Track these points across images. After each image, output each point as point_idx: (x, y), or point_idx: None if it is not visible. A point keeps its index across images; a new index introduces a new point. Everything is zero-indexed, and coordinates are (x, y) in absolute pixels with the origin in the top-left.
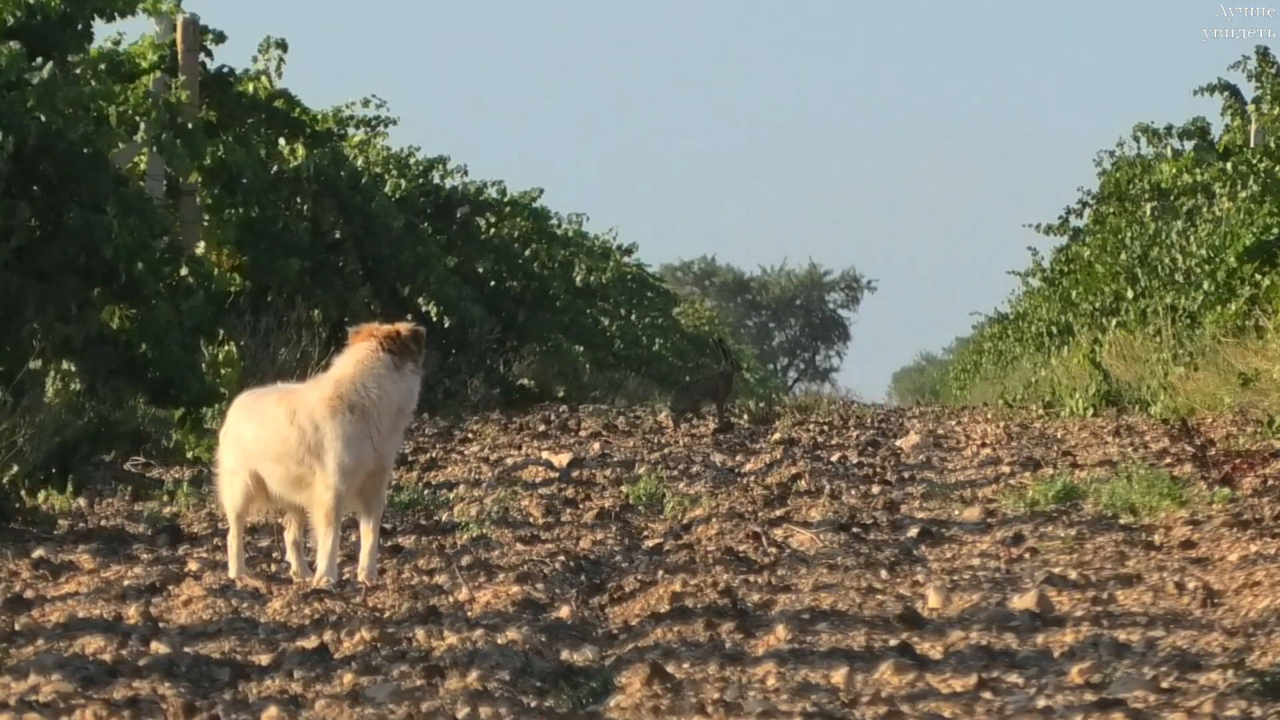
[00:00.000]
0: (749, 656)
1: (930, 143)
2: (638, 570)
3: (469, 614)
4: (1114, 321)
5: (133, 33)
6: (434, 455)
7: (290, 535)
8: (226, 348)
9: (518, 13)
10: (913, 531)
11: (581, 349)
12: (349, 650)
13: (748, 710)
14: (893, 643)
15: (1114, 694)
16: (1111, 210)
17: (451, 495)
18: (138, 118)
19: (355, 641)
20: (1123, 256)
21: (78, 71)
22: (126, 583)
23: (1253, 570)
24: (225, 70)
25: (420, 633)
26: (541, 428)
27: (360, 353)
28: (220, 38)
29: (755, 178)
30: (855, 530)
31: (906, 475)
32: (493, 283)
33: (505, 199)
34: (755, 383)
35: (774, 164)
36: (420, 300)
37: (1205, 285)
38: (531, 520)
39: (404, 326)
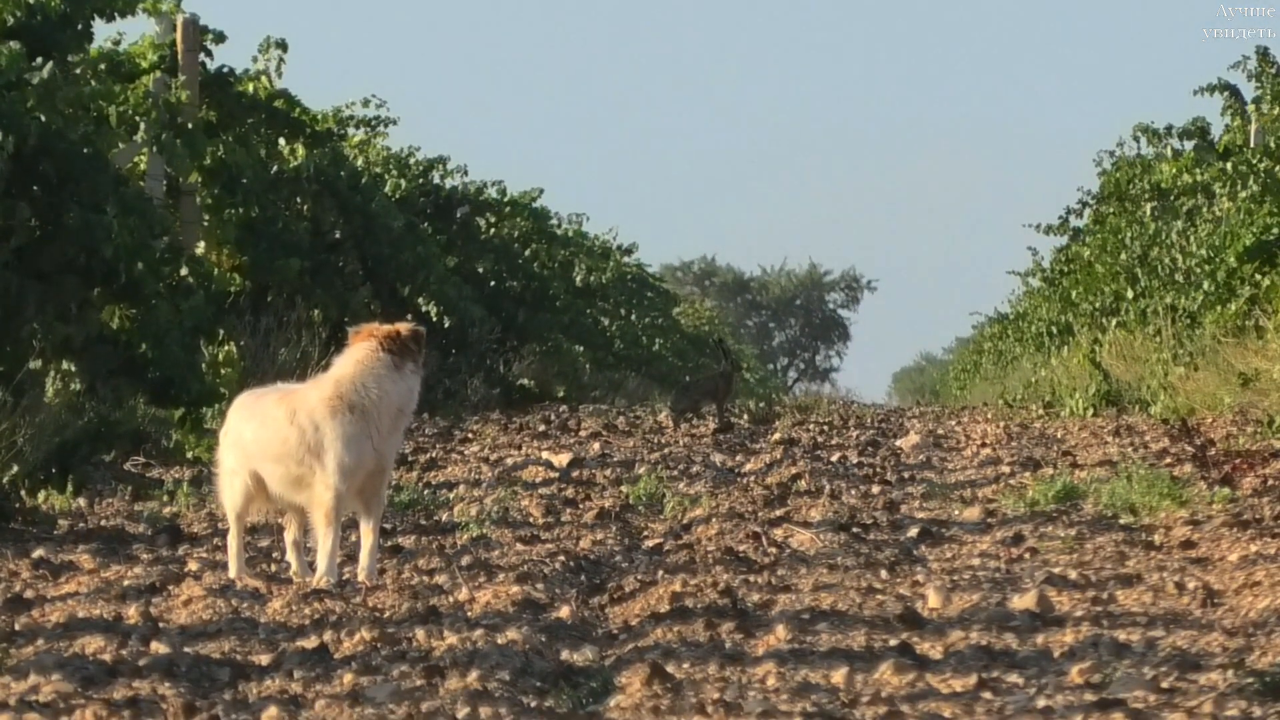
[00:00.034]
0: (749, 656)
1: (930, 143)
2: (638, 570)
3: (469, 614)
4: (1114, 321)
5: (133, 33)
6: (434, 455)
7: (290, 535)
8: (226, 348)
9: (518, 13)
10: (913, 531)
11: (581, 349)
12: (349, 650)
13: (748, 710)
14: (893, 643)
15: (1114, 694)
16: (1111, 210)
17: (451, 495)
18: (138, 118)
19: (355, 641)
20: (1123, 256)
21: (78, 71)
22: (126, 583)
23: (1253, 570)
24: (225, 70)
25: (420, 633)
26: (541, 428)
27: (360, 353)
28: (220, 38)
29: (755, 178)
30: (855, 530)
31: (906, 475)
32: (493, 283)
33: (505, 199)
34: (755, 383)
35: (774, 164)
36: (420, 300)
37: (1205, 285)
38: (531, 520)
39: (404, 326)
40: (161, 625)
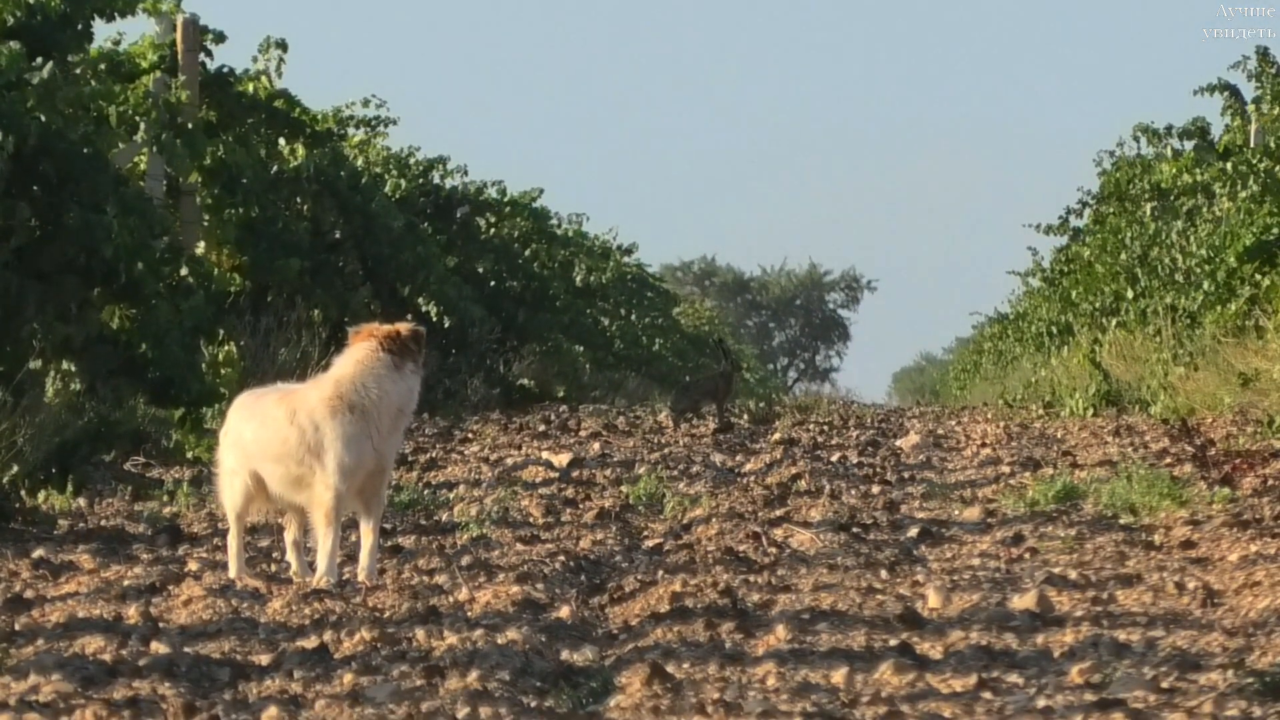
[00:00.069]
0: (749, 656)
1: (930, 143)
2: (638, 570)
3: (469, 614)
4: (1114, 321)
5: (133, 33)
6: (434, 455)
7: (290, 535)
8: (226, 348)
9: (518, 13)
10: (913, 531)
11: (581, 349)
12: (349, 650)
13: (748, 710)
14: (893, 643)
15: (1114, 694)
16: (1111, 210)
17: (451, 495)
18: (138, 118)
19: (355, 641)
20: (1123, 256)
21: (78, 71)
22: (126, 583)
23: (1253, 570)
24: (225, 70)
25: (420, 633)
26: (541, 428)
27: (360, 353)
28: (220, 38)
29: (755, 178)
30: (855, 530)
31: (906, 475)
32: (493, 283)
33: (505, 199)
34: (755, 383)
35: (774, 164)
36: (420, 300)
37: (1205, 285)
38: (531, 520)
39: (404, 326)
40: (161, 625)
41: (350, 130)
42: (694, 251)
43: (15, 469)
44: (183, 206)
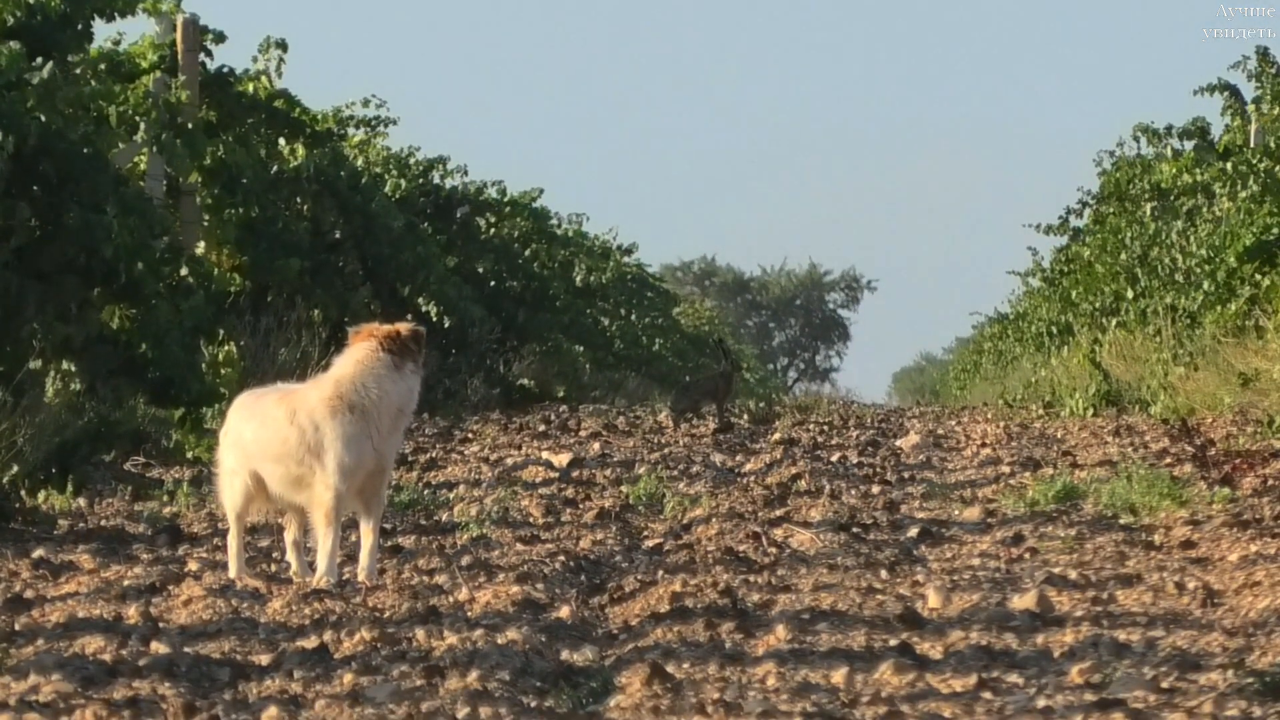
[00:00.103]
0: (749, 656)
1: (930, 143)
2: (638, 570)
3: (469, 614)
4: (1114, 321)
5: (133, 33)
6: (434, 455)
7: (290, 535)
8: (226, 348)
9: (518, 13)
10: (913, 531)
11: (581, 349)
12: (349, 650)
13: (748, 710)
14: (893, 643)
15: (1114, 694)
16: (1111, 210)
17: (451, 495)
18: (138, 118)
19: (355, 641)
20: (1123, 256)
21: (78, 71)
22: (126, 583)
23: (1253, 570)
24: (225, 70)
25: (420, 633)
26: (541, 428)
27: (360, 353)
28: (220, 38)
29: (755, 178)
30: (855, 530)
31: (906, 475)
32: (493, 283)
33: (505, 199)
34: (755, 383)
35: (774, 164)
36: (420, 300)
37: (1205, 285)
38: (531, 520)
39: (404, 326)
40: (161, 625)
41: (350, 130)
42: (694, 251)
43: (15, 469)
44: (183, 206)
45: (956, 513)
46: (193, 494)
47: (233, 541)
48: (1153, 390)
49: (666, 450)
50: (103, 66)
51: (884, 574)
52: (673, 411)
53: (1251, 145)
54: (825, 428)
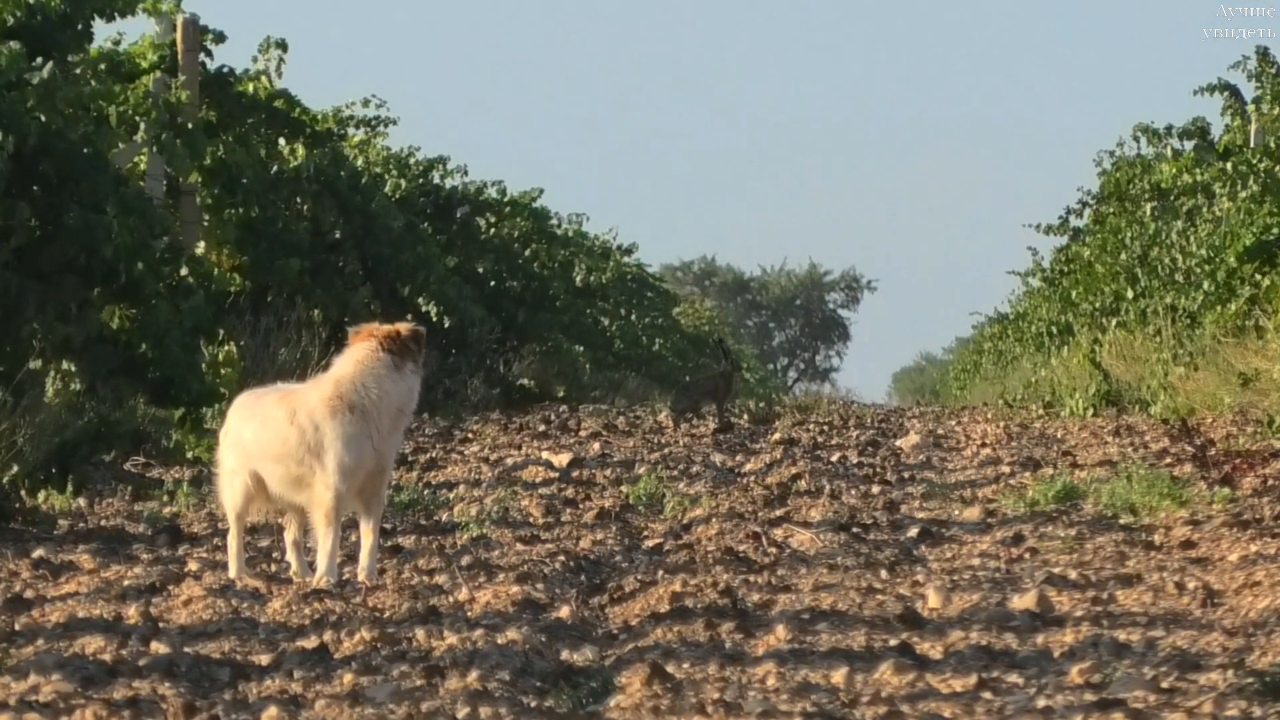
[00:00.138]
0: (749, 656)
1: (930, 143)
2: (638, 570)
3: (469, 614)
4: (1114, 321)
5: (133, 33)
6: (434, 455)
7: (290, 535)
8: (226, 348)
9: (518, 13)
10: (913, 531)
11: (581, 349)
12: (349, 650)
13: (748, 710)
14: (893, 643)
15: (1114, 694)
16: (1111, 210)
17: (451, 495)
18: (138, 118)
19: (355, 641)
20: (1123, 256)
21: (78, 71)
22: (126, 583)
23: (1253, 570)
24: (225, 70)
25: (420, 633)
26: (541, 428)
27: (360, 353)
28: (220, 38)
29: (755, 178)
30: (855, 530)
31: (906, 475)
32: (493, 283)
33: (505, 199)
34: (755, 383)
35: (774, 164)
36: (420, 300)
37: (1205, 285)
38: (531, 520)
39: (404, 326)
40: (161, 625)
41: (350, 130)
42: (694, 251)
43: (15, 469)
44: (183, 206)
45: (956, 513)
46: (193, 494)
47: (233, 541)
48: (1153, 390)
49: (666, 450)
50: (103, 66)
51: (884, 574)
52: (673, 411)
53: (1251, 145)
54: (825, 428)
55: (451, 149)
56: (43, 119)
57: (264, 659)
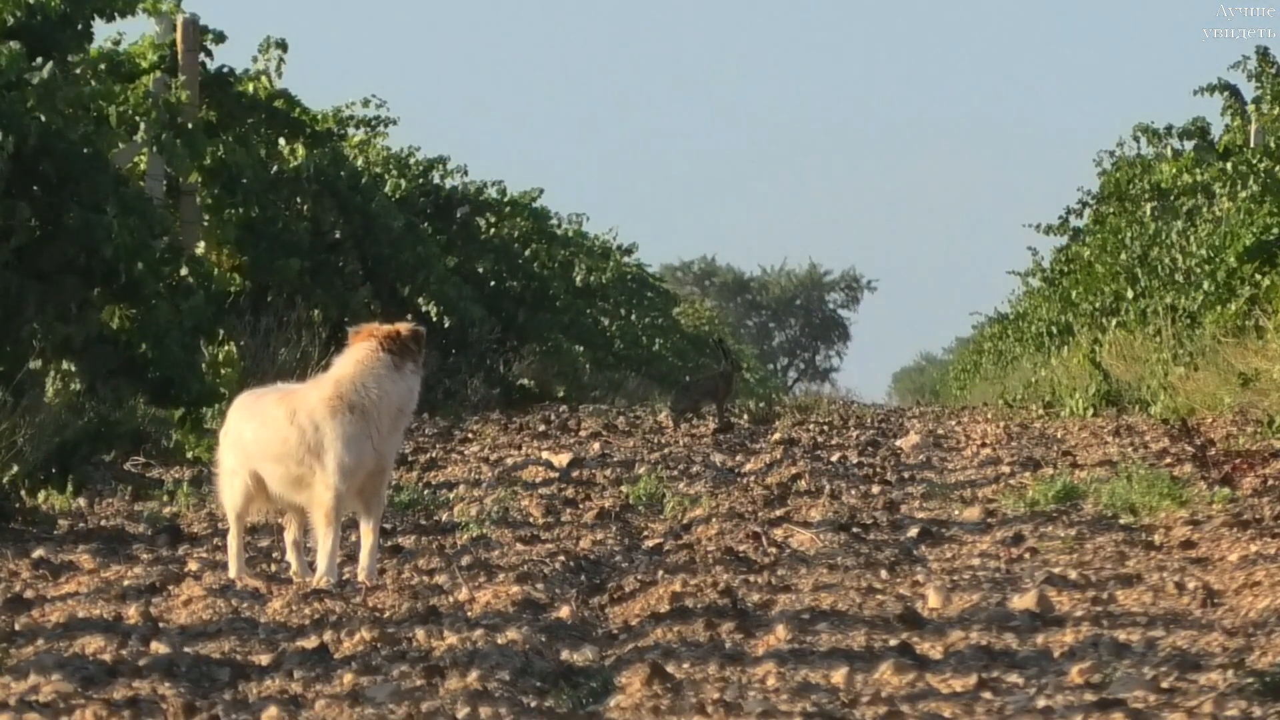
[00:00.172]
0: (749, 656)
1: (930, 143)
2: (638, 570)
3: (469, 614)
4: (1114, 321)
5: (133, 33)
6: (434, 455)
7: (290, 535)
8: (226, 348)
9: (518, 13)
10: (913, 531)
11: (581, 349)
12: (349, 650)
13: (748, 710)
14: (893, 643)
15: (1114, 694)
16: (1111, 210)
17: (451, 495)
18: (138, 118)
19: (355, 641)
20: (1123, 256)
21: (78, 71)
22: (126, 583)
23: (1253, 570)
24: (225, 70)
25: (420, 633)
26: (541, 428)
27: (360, 353)
28: (220, 38)
29: (755, 178)
30: (855, 530)
31: (906, 475)
32: (493, 283)
33: (505, 199)
34: (755, 383)
35: (774, 164)
36: (420, 300)
37: (1205, 285)
38: (531, 520)
39: (404, 326)
40: (161, 625)
41: (350, 130)
42: (694, 251)
43: (15, 469)
44: (183, 206)
45: (956, 513)
46: (193, 494)
47: (233, 541)
48: (1153, 390)
49: (666, 450)
50: (103, 66)
51: (884, 574)
52: (673, 411)
53: (1251, 145)
54: (825, 428)
55: (451, 149)
56: (43, 119)
57: (264, 659)
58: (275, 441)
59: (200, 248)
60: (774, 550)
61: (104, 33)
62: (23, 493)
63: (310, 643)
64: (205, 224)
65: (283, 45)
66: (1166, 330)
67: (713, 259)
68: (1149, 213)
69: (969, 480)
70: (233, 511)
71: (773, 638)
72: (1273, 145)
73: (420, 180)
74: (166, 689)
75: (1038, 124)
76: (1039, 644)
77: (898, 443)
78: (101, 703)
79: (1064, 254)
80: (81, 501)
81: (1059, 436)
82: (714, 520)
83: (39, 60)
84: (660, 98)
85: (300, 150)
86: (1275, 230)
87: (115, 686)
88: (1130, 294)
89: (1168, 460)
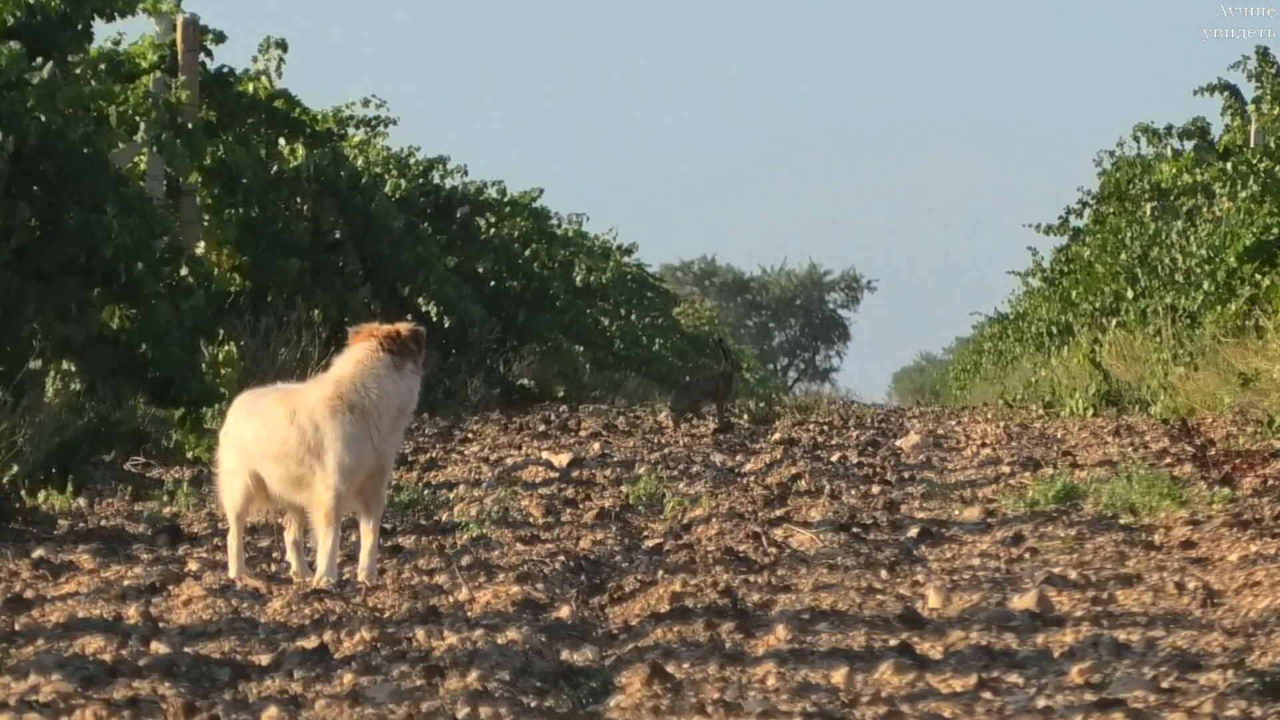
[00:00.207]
0: (749, 656)
1: (930, 143)
2: (638, 570)
3: (469, 614)
4: (1114, 321)
5: (133, 33)
6: (434, 455)
7: (290, 535)
8: (226, 348)
9: (518, 13)
10: (913, 531)
11: (581, 349)
12: (349, 650)
13: (748, 710)
14: (893, 643)
15: (1114, 694)
16: (1111, 210)
17: (451, 495)
18: (138, 118)
19: (355, 641)
20: (1123, 256)
21: (78, 71)
22: (126, 583)
23: (1253, 570)
24: (225, 70)
25: (420, 633)
26: (541, 428)
27: (360, 353)
28: (220, 38)
29: (755, 178)
30: (855, 530)
31: (906, 475)
32: (493, 283)
33: (505, 199)
34: (755, 383)
35: (774, 164)
36: (420, 300)
37: (1205, 285)
38: (531, 520)
39: (404, 326)
40: (161, 625)
41: (350, 130)
42: (694, 251)
43: (15, 469)
44: (183, 206)
45: (956, 513)
46: (193, 494)
47: (233, 541)
48: (1153, 390)
49: (666, 450)
50: (103, 66)
51: (884, 574)
52: (673, 411)
53: (1251, 145)
54: (825, 428)
55: (451, 149)
56: (43, 119)
57: (264, 659)
58: (275, 441)
59: (200, 248)
60: (774, 550)
61: (104, 33)
62: (23, 493)
63: (310, 643)
64: (205, 224)
65: (283, 45)
66: (1166, 330)
67: (713, 259)
68: (1149, 213)
69: (969, 480)
70: (233, 511)
71: (773, 638)
72: (1273, 145)
73: (420, 180)
74: (166, 689)
75: (1038, 124)
76: (1039, 644)
77: (898, 443)
78: (101, 703)
79: (1064, 254)
80: (81, 501)
81: (1059, 436)
82: (714, 520)
83: (39, 60)
84: (660, 98)
85: (300, 150)
86: (1275, 230)
87: (115, 686)
88: (1130, 294)
89: (1168, 460)
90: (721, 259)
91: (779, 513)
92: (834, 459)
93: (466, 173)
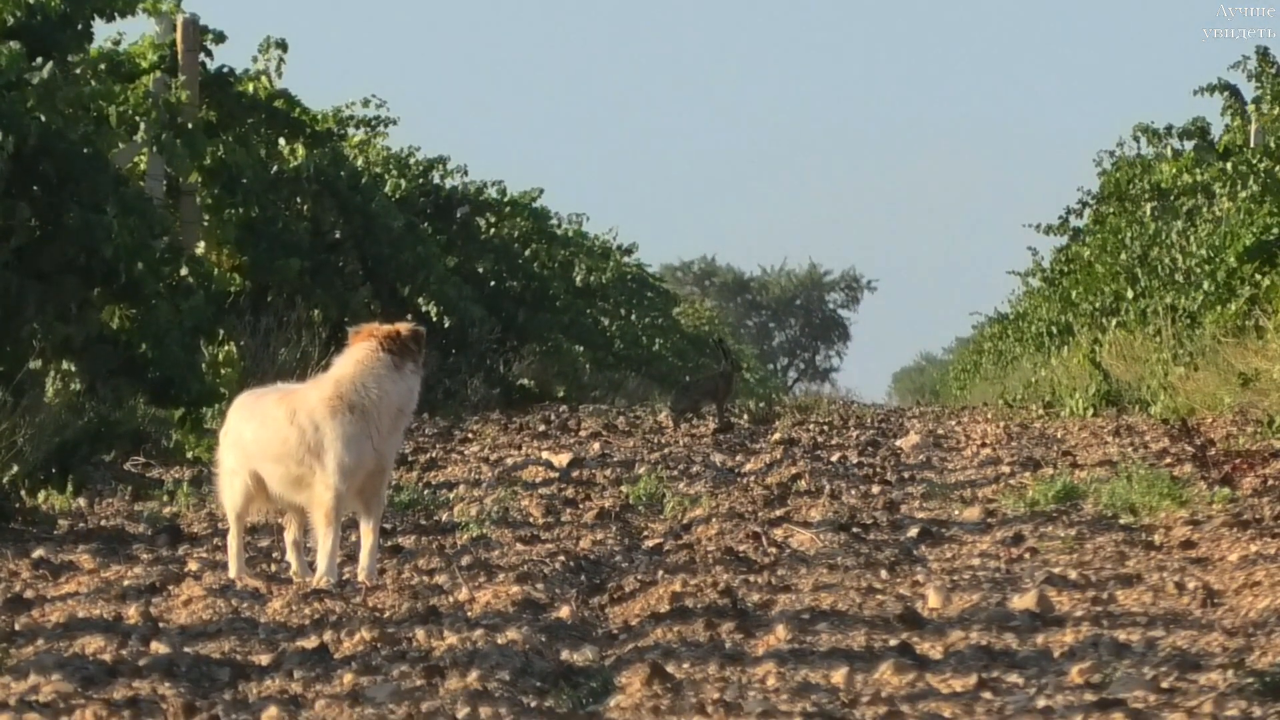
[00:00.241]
0: (749, 656)
1: (930, 143)
2: (638, 570)
3: (469, 614)
4: (1114, 321)
5: (133, 33)
6: (434, 455)
7: (290, 535)
8: (226, 348)
9: (518, 13)
10: (913, 531)
11: (581, 349)
12: (349, 650)
13: (748, 710)
14: (893, 643)
15: (1114, 694)
16: (1111, 210)
17: (451, 495)
18: (138, 118)
19: (355, 641)
20: (1123, 256)
21: (78, 71)
22: (126, 583)
23: (1253, 570)
24: (225, 70)
25: (420, 633)
26: (541, 428)
27: (360, 353)
28: (220, 38)
29: (755, 178)
30: (855, 530)
31: (906, 475)
32: (493, 283)
33: (505, 199)
34: (755, 383)
35: (774, 164)
36: (420, 300)
37: (1205, 285)
38: (531, 520)
39: (404, 326)
40: (161, 625)
41: (350, 130)
42: (694, 251)
43: (15, 469)
44: (183, 206)
45: (956, 513)
46: (193, 494)
47: (233, 541)
48: (1153, 390)
49: (666, 450)
50: (103, 66)
51: (884, 574)
52: (673, 411)
53: (1251, 145)
54: (825, 428)
55: (451, 149)
56: (43, 119)
57: (264, 659)
58: (275, 441)
59: (200, 248)
60: (774, 550)
61: (104, 33)
62: (23, 493)
63: (310, 643)
64: (205, 224)
65: (283, 45)
66: (1166, 330)
67: (713, 259)
68: (1149, 213)
69: (969, 480)
70: (233, 511)
71: (773, 638)
72: (1273, 145)
73: (420, 180)
74: (166, 689)
75: (1038, 124)
76: (1039, 644)
77: (898, 443)
78: (101, 703)
79: (1064, 254)
80: (81, 501)
81: (1059, 436)
82: (714, 520)
83: (39, 60)
84: (660, 98)
85: (300, 150)
86: (1275, 230)
87: (115, 686)
88: (1130, 294)
89: (1168, 460)
90: (721, 259)
91: (779, 513)
92: (834, 459)
93: (466, 173)
